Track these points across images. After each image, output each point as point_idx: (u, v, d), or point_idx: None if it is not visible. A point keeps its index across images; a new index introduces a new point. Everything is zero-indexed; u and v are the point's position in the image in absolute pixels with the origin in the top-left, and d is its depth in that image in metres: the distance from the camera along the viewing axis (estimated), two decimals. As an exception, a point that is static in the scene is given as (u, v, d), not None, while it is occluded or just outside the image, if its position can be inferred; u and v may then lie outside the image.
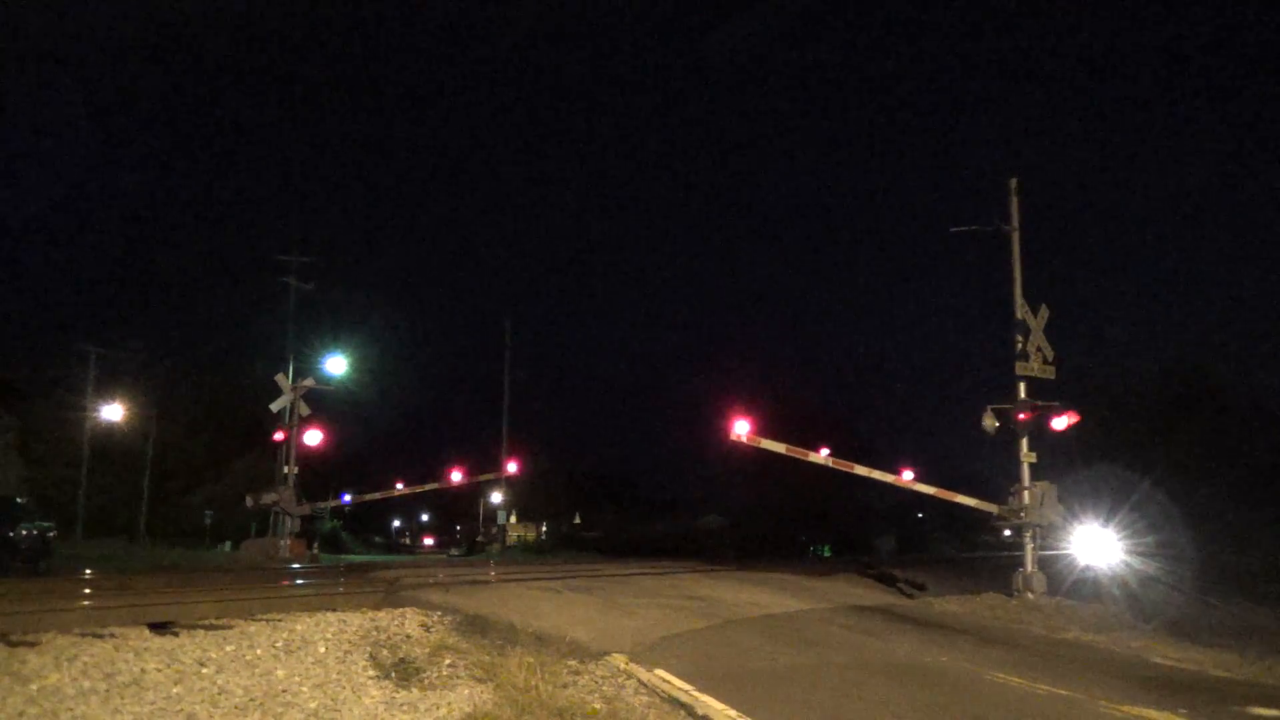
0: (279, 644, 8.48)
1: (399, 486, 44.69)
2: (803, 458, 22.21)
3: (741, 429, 20.16)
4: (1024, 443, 19.27)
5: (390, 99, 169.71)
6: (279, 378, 32.86)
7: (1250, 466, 29.42)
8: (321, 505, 39.29)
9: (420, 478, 48.17)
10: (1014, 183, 20.65)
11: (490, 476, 44.99)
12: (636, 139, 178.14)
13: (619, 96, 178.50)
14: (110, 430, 43.27)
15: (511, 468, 44.15)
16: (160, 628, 8.89)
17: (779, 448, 21.40)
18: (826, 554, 57.74)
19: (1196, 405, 32.23)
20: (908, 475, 24.28)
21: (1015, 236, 20.15)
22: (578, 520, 73.20)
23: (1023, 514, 18.93)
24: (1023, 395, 19.31)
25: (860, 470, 22.84)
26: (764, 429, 21.63)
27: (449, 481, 42.46)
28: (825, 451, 21.85)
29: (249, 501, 32.15)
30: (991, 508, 20.02)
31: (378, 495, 46.85)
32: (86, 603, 10.64)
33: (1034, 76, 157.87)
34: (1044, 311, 19.58)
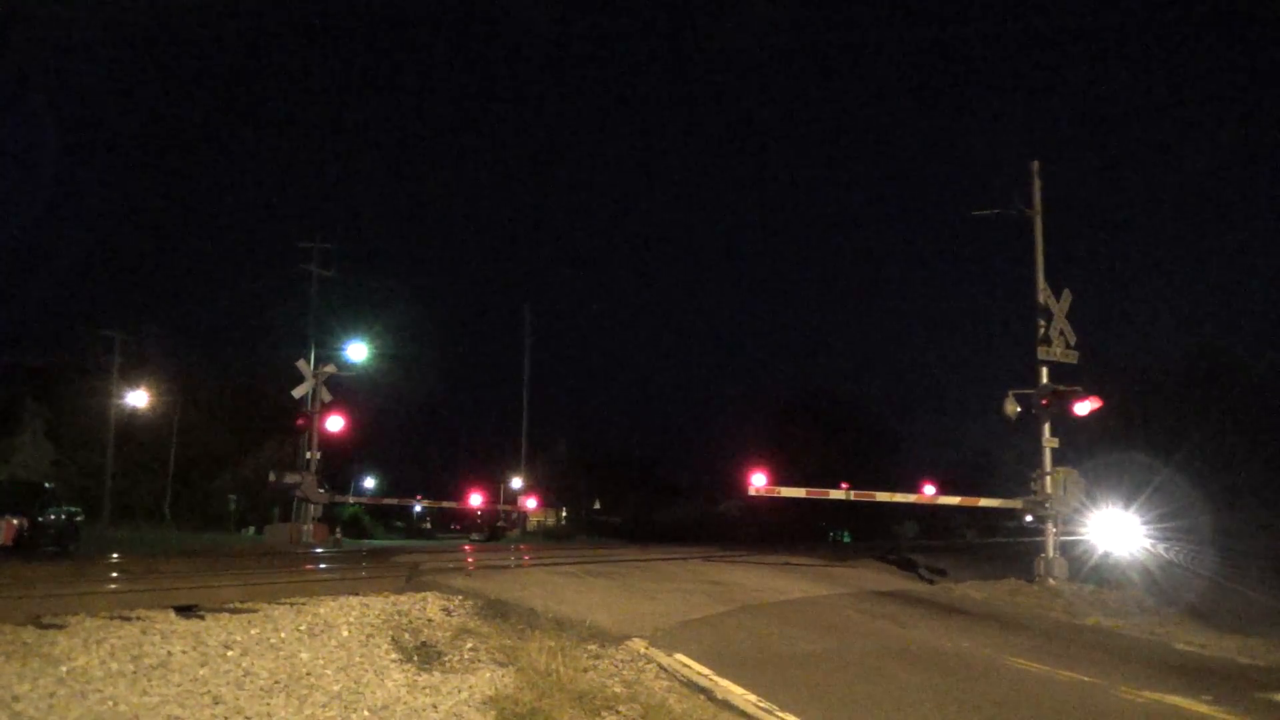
0: (303, 627, 8.56)
1: (418, 498, 46.14)
2: (823, 497, 22.42)
3: (759, 481, 20.27)
4: (1046, 428, 19.14)
5: (409, 86, 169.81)
6: (301, 364, 33.07)
7: (1276, 450, 29.12)
8: (342, 498, 39.94)
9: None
10: (1036, 165, 20.45)
11: (508, 508, 47.24)
12: (654, 124, 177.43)
13: (639, 81, 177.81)
14: (135, 416, 43.76)
15: (531, 503, 46.31)
16: (186, 611, 9.00)
17: (799, 493, 21.60)
18: (847, 540, 57.66)
19: (1221, 389, 31.91)
20: (929, 490, 24.43)
21: (1038, 220, 19.96)
22: (598, 505, 73.37)
23: (1046, 503, 18.83)
24: (1045, 380, 19.17)
25: (882, 496, 23.13)
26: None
27: (466, 503, 43.81)
28: (845, 486, 22.09)
29: (272, 478, 32.39)
30: (1015, 504, 19.95)
31: (394, 501, 49.12)
32: (113, 586, 10.79)
33: (1055, 58, 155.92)
34: (1066, 295, 19.41)
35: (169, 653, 7.21)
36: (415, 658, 7.79)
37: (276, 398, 38.96)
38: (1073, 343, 19.29)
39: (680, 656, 8.69)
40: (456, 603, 10.92)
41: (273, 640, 7.97)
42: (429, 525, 75.80)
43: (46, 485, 23.76)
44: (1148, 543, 19.02)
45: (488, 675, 7.35)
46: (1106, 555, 19.09)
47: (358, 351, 35.43)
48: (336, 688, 6.70)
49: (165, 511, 43.91)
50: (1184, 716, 7.65)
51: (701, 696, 7.36)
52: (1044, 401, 18.98)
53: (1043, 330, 19.25)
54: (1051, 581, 18.16)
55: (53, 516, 20.30)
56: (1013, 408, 19.10)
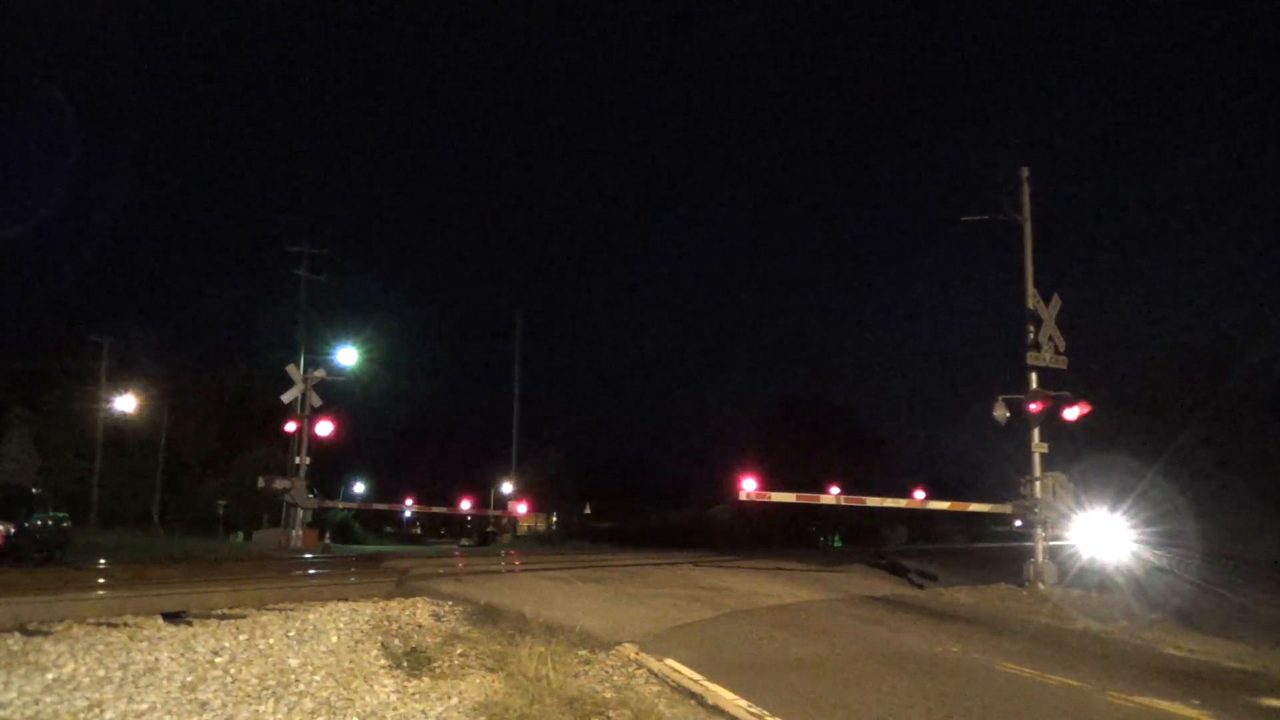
0: (292, 633, 8.54)
1: (408, 503, 46.11)
2: (814, 501, 22.50)
3: (749, 486, 20.27)
4: (1035, 433, 19.20)
5: (400, 91, 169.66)
6: (290, 369, 32.97)
7: (1263, 456, 29.27)
8: (331, 503, 39.87)
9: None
10: (1025, 172, 20.55)
11: (499, 513, 47.17)
12: (646, 129, 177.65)
13: (630, 84, 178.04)
14: (124, 421, 43.51)
15: (521, 509, 46.19)
16: (174, 617, 8.96)
17: (789, 497, 21.62)
18: (837, 544, 57.75)
19: (1207, 393, 32.05)
20: (919, 495, 24.49)
21: (1027, 226, 20.05)
22: (588, 510, 73.32)
23: (1035, 508, 18.88)
24: (1034, 385, 19.24)
25: (872, 501, 23.20)
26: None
27: (457, 508, 43.76)
28: (836, 490, 22.17)
29: (261, 483, 32.27)
30: (1004, 509, 19.99)
31: (384, 506, 49.08)
32: (101, 592, 10.72)
33: (1046, 64, 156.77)
34: (1056, 301, 19.49)
35: (157, 659, 7.19)
36: (405, 664, 7.77)
37: (266, 402, 38.86)
38: (1062, 348, 19.37)
39: (671, 662, 8.68)
40: (446, 608, 10.90)
41: (261, 646, 7.94)
42: (419, 530, 75.58)
43: (34, 491, 23.57)
44: (1135, 547, 19.07)
45: (478, 681, 7.33)
46: (1093, 559, 19.15)
47: (348, 356, 35.35)
48: (325, 694, 6.68)
49: (153, 517, 43.67)
50: (1172, 721, 7.68)
51: (692, 702, 7.35)
52: (1034, 407, 19.05)
53: (1032, 335, 19.32)
54: (1041, 586, 18.21)
55: (40, 523, 20.14)
56: (1002, 413, 19.15)
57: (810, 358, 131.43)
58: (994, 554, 32.69)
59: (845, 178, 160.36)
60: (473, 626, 9.82)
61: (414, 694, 6.85)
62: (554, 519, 71.09)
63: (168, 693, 6.41)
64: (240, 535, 41.54)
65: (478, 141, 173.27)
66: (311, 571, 16.55)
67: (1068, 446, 21.71)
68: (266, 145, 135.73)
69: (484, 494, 57.52)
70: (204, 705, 6.20)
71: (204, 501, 45.14)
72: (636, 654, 8.99)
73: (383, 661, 7.81)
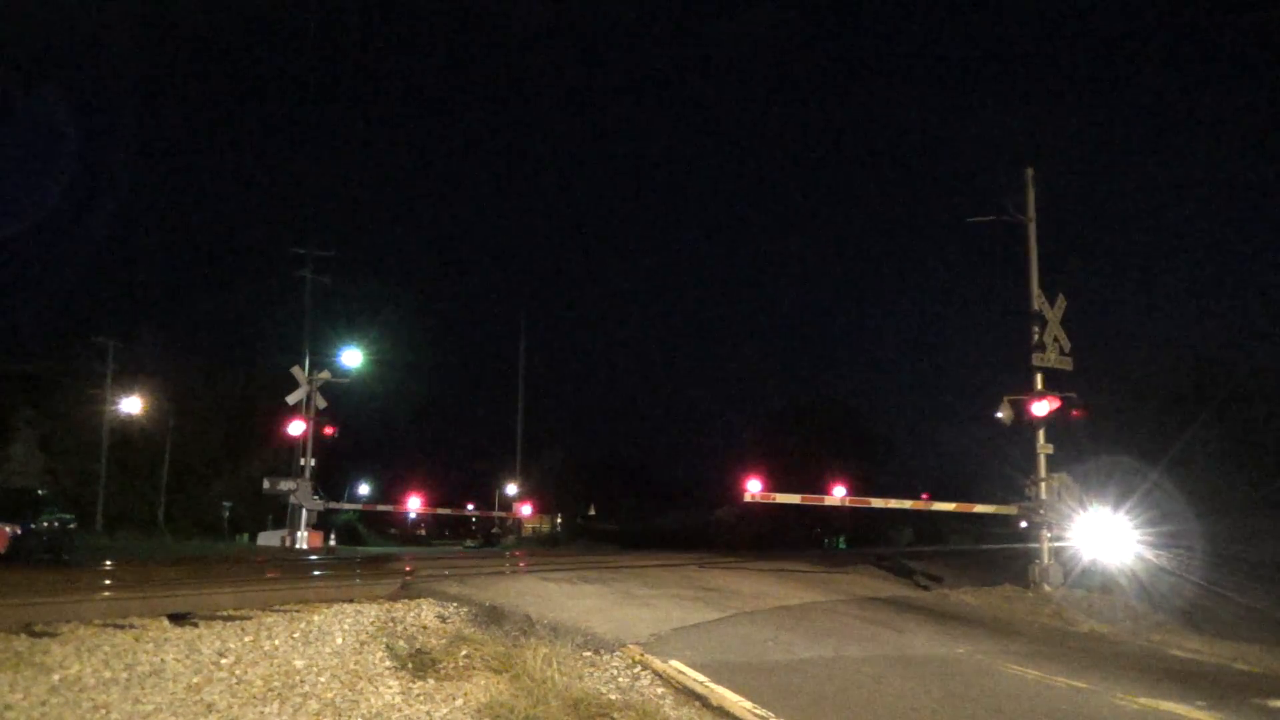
0: (297, 635, 8.54)
1: (412, 501, 46.19)
2: (818, 503, 22.53)
3: (754, 487, 20.28)
4: (1041, 434, 19.16)
5: (403, 93, 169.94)
6: (295, 370, 33.03)
7: (1266, 456, 29.20)
8: (336, 505, 39.91)
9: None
10: (1030, 172, 20.52)
11: (503, 515, 47.18)
12: (649, 133, 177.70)
13: (634, 85, 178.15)
14: (129, 423, 43.62)
15: (526, 510, 46.39)
16: (179, 619, 8.97)
17: (794, 499, 21.65)
18: (842, 546, 57.64)
19: (1213, 395, 31.99)
20: (924, 496, 24.55)
21: (1031, 227, 20.02)
22: (593, 511, 73.34)
23: (1041, 509, 18.84)
24: (1039, 386, 19.20)
25: (877, 503, 23.29)
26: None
27: (461, 509, 43.77)
28: (841, 491, 22.17)
29: (266, 485, 32.33)
30: (1010, 510, 19.95)
31: (389, 507, 49.13)
32: (106, 594, 10.73)
33: (1050, 65, 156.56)
34: (1061, 302, 19.45)
35: (162, 661, 7.19)
36: (410, 665, 7.77)
37: (271, 404, 38.90)
38: (1067, 349, 19.33)
39: (675, 663, 8.67)
40: (451, 610, 10.89)
41: (266, 648, 7.95)
42: (424, 532, 75.62)
43: (39, 492, 23.63)
44: (1138, 548, 19.00)
45: (482, 682, 7.33)
46: (1095, 560, 19.10)
47: (352, 358, 35.41)
48: (330, 695, 6.69)
49: (159, 519, 43.75)
50: (1179, 722, 7.66)
51: (697, 703, 7.34)
52: (1038, 408, 18.99)
53: (1037, 337, 19.28)
54: (1047, 588, 18.16)
55: (45, 524, 20.18)
56: (1007, 414, 19.11)
57: (815, 359, 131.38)
58: (999, 555, 32.57)
59: (851, 179, 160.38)
60: (477, 628, 9.81)
61: (419, 695, 6.86)
62: (558, 520, 71.11)
63: (173, 694, 6.42)
64: (245, 537, 41.61)
65: (483, 142, 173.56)
66: (316, 573, 16.54)
67: (1071, 447, 21.67)
68: (271, 146, 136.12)
69: (488, 496, 57.58)
70: (210, 707, 6.21)
71: (209, 503, 45.25)
72: (641, 655, 8.98)
73: (388, 663, 7.81)
